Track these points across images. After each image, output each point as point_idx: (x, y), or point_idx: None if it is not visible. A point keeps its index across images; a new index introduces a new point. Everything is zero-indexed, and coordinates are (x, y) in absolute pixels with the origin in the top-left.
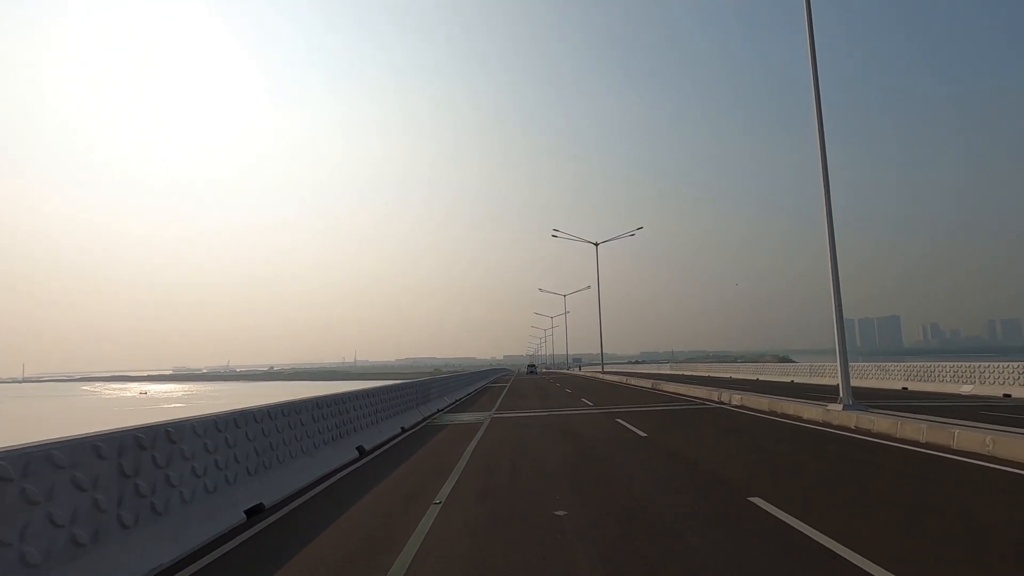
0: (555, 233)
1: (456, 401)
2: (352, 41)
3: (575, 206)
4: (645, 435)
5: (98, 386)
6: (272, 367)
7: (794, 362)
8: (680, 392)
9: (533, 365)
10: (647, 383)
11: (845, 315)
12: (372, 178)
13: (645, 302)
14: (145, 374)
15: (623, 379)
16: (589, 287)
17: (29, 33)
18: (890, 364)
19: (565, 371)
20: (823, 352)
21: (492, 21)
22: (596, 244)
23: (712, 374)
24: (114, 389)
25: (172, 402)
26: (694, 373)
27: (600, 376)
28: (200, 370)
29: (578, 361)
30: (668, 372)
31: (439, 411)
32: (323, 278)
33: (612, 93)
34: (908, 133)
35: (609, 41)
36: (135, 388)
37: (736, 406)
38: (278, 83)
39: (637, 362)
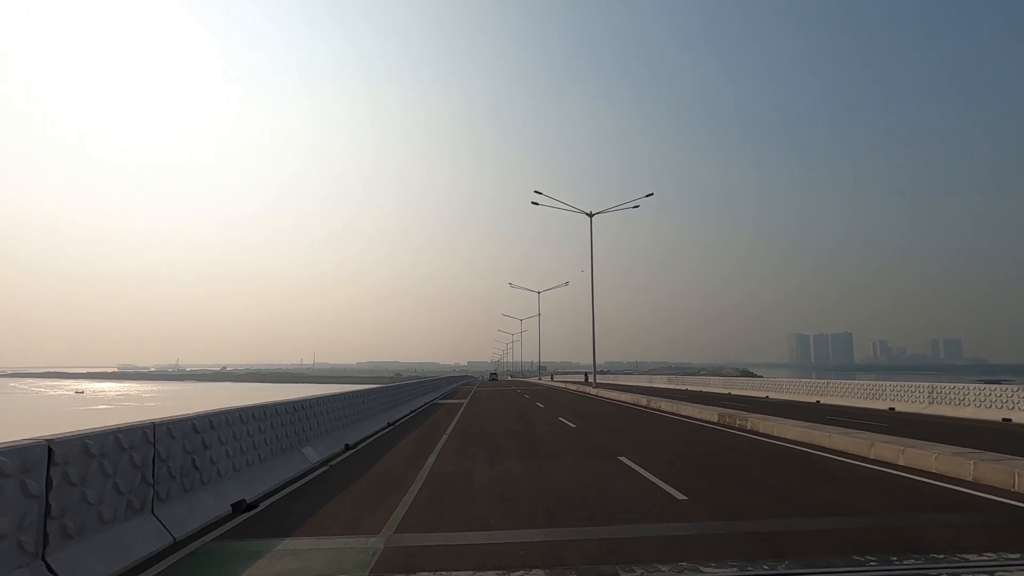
0: (536, 197)
1: (343, 453)
2: (323, 41)
3: (543, 213)
4: None
5: (29, 383)
6: (225, 367)
7: (759, 376)
8: (850, 451)
9: (495, 373)
10: (703, 412)
11: (800, 331)
12: (338, 177)
13: (606, 313)
14: (85, 371)
15: (642, 400)
16: (568, 283)
17: None
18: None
19: (538, 380)
20: (781, 366)
21: (468, 25)
22: (590, 215)
23: (737, 391)
24: (46, 387)
25: (98, 403)
26: (708, 389)
27: (596, 393)
28: (148, 368)
29: (544, 369)
30: (670, 386)
31: (233, 512)
32: (284, 277)
33: (582, 103)
34: (859, 153)
35: (583, 52)
36: (71, 386)
37: None
38: (242, 78)
39: (603, 372)
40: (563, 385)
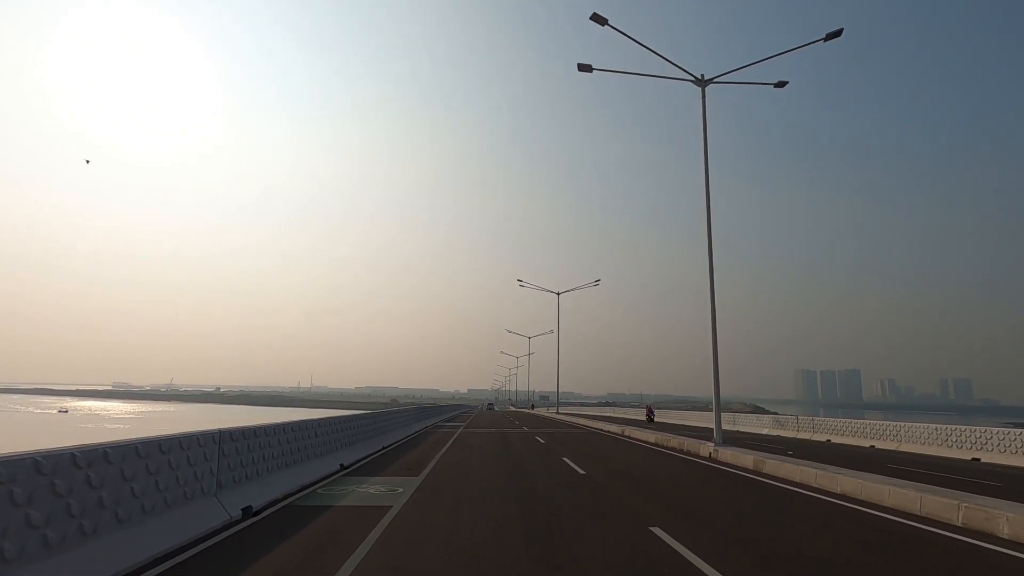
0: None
1: None
2: (337, 64)
3: (545, 242)
4: None
5: (15, 399)
6: (218, 388)
7: (773, 413)
8: None
9: (492, 403)
10: None
11: (807, 367)
12: (345, 200)
13: (611, 344)
14: (75, 388)
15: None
16: (599, 282)
17: None
18: None
19: (555, 415)
20: (788, 402)
21: (477, 54)
22: (702, 81)
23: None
24: (30, 404)
25: (57, 423)
26: (833, 439)
27: (685, 448)
28: (142, 387)
29: (545, 399)
30: (789, 434)
31: None
32: (284, 300)
33: (589, 134)
34: (872, 189)
35: (588, 82)
36: (58, 403)
37: None
38: (247, 94)
39: (607, 404)
40: (617, 432)
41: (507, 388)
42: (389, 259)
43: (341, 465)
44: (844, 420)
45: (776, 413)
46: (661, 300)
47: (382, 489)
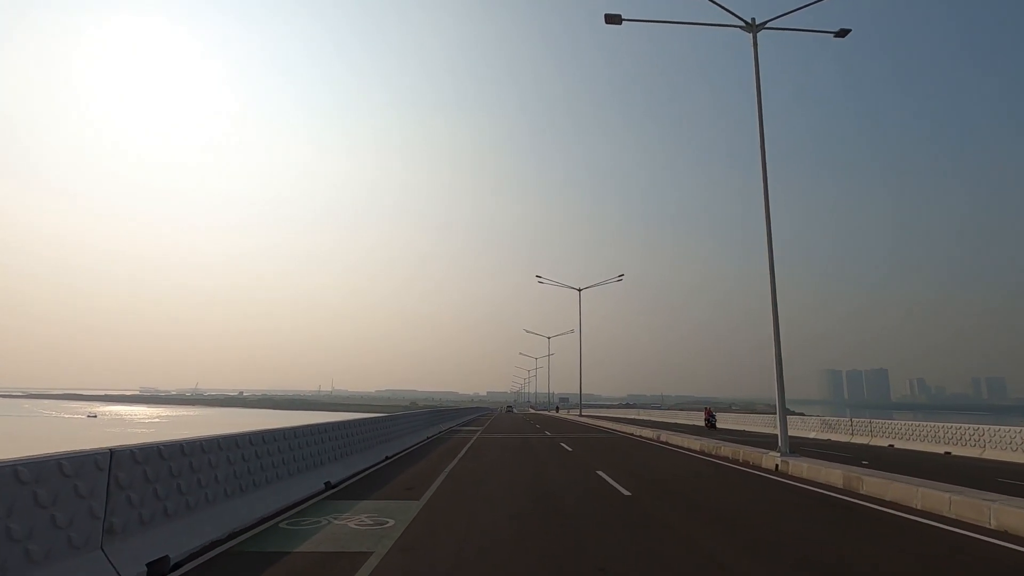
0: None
1: None
2: (355, 70)
3: (563, 243)
4: None
5: (47, 404)
6: (242, 392)
7: (799, 413)
8: None
9: (511, 406)
10: None
11: (833, 367)
12: (364, 205)
13: (631, 346)
14: (103, 393)
15: None
16: (622, 277)
17: None
18: None
19: (576, 417)
20: (813, 403)
21: (497, 56)
22: (753, 26)
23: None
24: (60, 409)
25: (86, 427)
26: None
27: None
28: (168, 392)
29: (566, 401)
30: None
31: None
32: (306, 304)
33: (608, 137)
34: (901, 186)
35: (611, 86)
36: (87, 408)
37: None
38: (270, 104)
39: (628, 405)
40: (652, 437)
41: (526, 390)
42: (407, 261)
43: (327, 484)
44: (908, 422)
45: (802, 414)
46: (681, 300)
47: (367, 521)
